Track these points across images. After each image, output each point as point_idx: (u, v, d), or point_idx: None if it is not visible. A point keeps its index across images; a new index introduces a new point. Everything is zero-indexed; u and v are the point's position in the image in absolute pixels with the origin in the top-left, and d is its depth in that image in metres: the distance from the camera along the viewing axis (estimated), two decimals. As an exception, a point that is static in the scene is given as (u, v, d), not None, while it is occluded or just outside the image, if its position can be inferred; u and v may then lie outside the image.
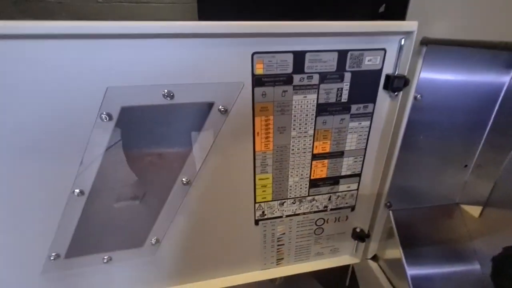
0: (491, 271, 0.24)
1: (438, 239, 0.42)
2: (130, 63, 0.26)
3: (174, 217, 0.35)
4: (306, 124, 0.34)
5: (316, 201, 0.40)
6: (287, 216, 0.40)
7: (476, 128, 0.37)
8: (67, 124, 0.27)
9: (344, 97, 0.33)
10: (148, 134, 0.31)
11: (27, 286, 0.34)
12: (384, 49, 0.32)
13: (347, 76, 0.32)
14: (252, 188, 0.36)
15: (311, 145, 0.36)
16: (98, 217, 0.33)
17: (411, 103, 0.34)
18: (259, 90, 0.31)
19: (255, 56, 0.29)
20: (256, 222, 0.39)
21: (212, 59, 0.28)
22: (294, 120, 0.34)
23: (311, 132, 0.35)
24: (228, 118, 0.31)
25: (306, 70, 0.31)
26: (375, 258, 0.47)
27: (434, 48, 0.31)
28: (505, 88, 0.35)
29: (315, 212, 0.41)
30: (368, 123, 0.36)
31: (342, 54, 0.31)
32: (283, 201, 0.39)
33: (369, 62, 0.32)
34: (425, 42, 0.31)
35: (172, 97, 0.28)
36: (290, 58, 0.30)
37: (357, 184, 0.40)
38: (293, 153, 0.35)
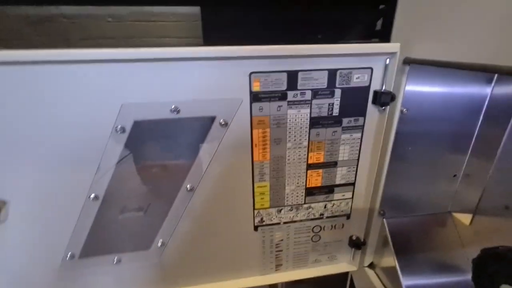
0: (472, 273, 0.26)
1: (432, 247, 0.44)
2: (142, 83, 0.30)
3: (178, 222, 0.38)
4: (300, 136, 0.37)
5: (313, 208, 0.42)
6: (284, 222, 0.42)
7: (462, 139, 0.40)
8: (87, 137, 0.30)
9: (336, 111, 0.36)
10: (156, 145, 0.34)
11: (44, 284, 0.37)
12: (371, 68, 0.35)
13: (337, 92, 0.35)
14: (251, 195, 0.39)
15: (306, 155, 0.38)
16: (109, 221, 0.36)
17: (398, 117, 0.37)
18: (256, 105, 0.34)
19: (252, 75, 0.32)
20: (255, 228, 0.42)
21: (214, 78, 0.32)
22: (289, 133, 0.36)
23: (305, 143, 0.37)
24: (228, 130, 0.34)
25: (299, 87, 0.34)
26: (372, 265, 0.49)
27: (416, 66, 0.34)
28: (487, 101, 0.37)
29: (311, 219, 0.43)
30: (359, 135, 0.39)
31: (332, 73, 0.34)
32: (281, 208, 0.41)
33: (358, 80, 0.35)
34: (408, 61, 0.34)
35: (178, 112, 0.32)
36: (284, 76, 0.33)
37: (351, 192, 0.42)
38: (289, 163, 0.38)
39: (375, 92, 0.36)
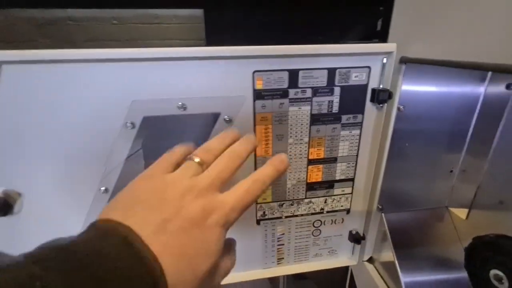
0: (464, 261, 0.27)
1: (430, 241, 0.45)
2: (151, 80, 0.32)
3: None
4: (301, 132, 0.38)
5: (313, 203, 0.44)
6: (286, 217, 0.44)
7: (458, 136, 0.41)
8: (99, 131, 0.32)
9: (335, 109, 0.38)
10: (164, 140, 0.36)
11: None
12: (369, 67, 0.36)
13: (337, 90, 0.37)
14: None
15: (307, 151, 0.40)
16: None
17: (395, 114, 0.38)
18: (259, 102, 0.36)
19: (255, 74, 0.34)
20: (258, 222, 0.43)
21: (219, 76, 0.33)
22: (291, 129, 0.38)
23: (306, 139, 0.39)
24: (232, 126, 0.36)
25: (300, 85, 0.36)
26: (371, 260, 0.50)
27: (412, 65, 0.35)
28: (481, 99, 0.39)
29: (312, 214, 0.44)
30: (358, 131, 0.40)
31: (332, 71, 0.36)
32: (282, 202, 0.42)
33: (356, 78, 0.37)
34: (404, 60, 0.35)
35: (185, 108, 0.33)
36: (285, 75, 0.35)
37: (351, 188, 0.44)
38: (290, 158, 0.40)
39: (373, 90, 0.37)
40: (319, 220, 0.45)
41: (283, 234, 0.45)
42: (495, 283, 0.27)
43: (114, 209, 0.19)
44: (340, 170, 0.42)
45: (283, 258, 0.47)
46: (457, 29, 0.35)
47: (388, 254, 0.44)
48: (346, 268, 0.57)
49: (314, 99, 0.37)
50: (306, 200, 0.43)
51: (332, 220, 0.46)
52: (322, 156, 0.40)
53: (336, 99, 0.37)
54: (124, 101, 0.32)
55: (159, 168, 0.21)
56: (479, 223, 0.40)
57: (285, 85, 0.35)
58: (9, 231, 0.35)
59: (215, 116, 0.35)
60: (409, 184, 0.44)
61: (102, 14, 1.09)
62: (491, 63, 0.27)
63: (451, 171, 0.43)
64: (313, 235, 0.46)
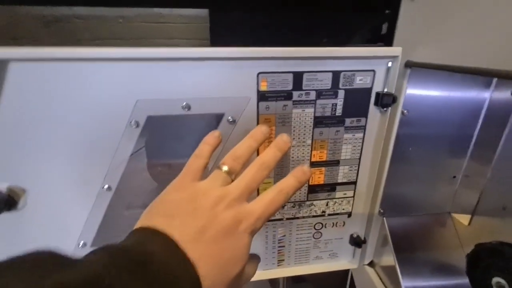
0: (466, 267, 0.27)
1: (431, 247, 0.45)
2: (156, 80, 0.32)
3: (185, 215, 0.40)
4: (304, 134, 0.38)
5: (315, 206, 0.44)
6: (287, 219, 0.44)
7: (462, 141, 0.41)
8: (103, 130, 0.32)
9: (339, 111, 0.38)
10: (167, 140, 0.36)
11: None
12: (374, 70, 0.36)
13: (341, 93, 0.37)
14: (255, 190, 0.40)
15: (309, 153, 0.40)
16: (119, 212, 0.38)
17: (399, 118, 0.38)
18: (263, 104, 0.36)
19: (260, 75, 0.34)
20: (259, 223, 0.43)
21: (223, 77, 0.33)
22: (294, 131, 0.38)
23: (309, 141, 0.39)
24: (235, 127, 0.36)
25: (304, 87, 0.36)
26: (372, 264, 0.50)
27: (417, 69, 0.35)
28: (485, 105, 0.38)
29: (313, 216, 0.44)
30: (361, 135, 0.40)
31: (336, 74, 0.36)
32: (284, 204, 0.42)
33: (360, 81, 0.37)
34: (409, 65, 0.35)
35: (189, 108, 0.34)
36: (290, 77, 0.35)
37: (353, 191, 0.44)
38: (293, 160, 0.40)
39: (377, 94, 0.37)
40: (320, 222, 0.45)
41: (284, 236, 0.45)
42: (497, 291, 0.26)
43: (154, 216, 0.20)
44: (343, 173, 0.42)
45: (283, 260, 0.47)
46: (463, 34, 0.35)
47: (389, 259, 0.44)
48: (346, 271, 0.57)
49: (318, 101, 0.37)
50: (308, 203, 0.43)
51: (333, 223, 0.46)
52: (324, 158, 0.40)
53: (340, 102, 0.37)
54: (129, 101, 0.32)
55: (188, 176, 0.23)
56: (482, 229, 0.40)
57: (289, 87, 0.35)
58: (13, 226, 0.35)
59: (219, 117, 0.35)
60: (411, 188, 0.44)
61: (108, 12, 1.10)
62: (496, 69, 0.27)
63: (454, 177, 0.43)
64: (314, 238, 0.46)
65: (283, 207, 0.43)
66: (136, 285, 0.14)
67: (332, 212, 0.45)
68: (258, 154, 0.38)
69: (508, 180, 0.37)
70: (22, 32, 1.05)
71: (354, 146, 0.40)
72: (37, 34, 1.07)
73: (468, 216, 0.42)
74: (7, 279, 0.13)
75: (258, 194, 0.40)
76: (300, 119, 0.37)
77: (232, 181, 0.23)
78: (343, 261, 0.49)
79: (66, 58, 0.29)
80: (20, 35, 1.05)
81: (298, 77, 0.35)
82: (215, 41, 0.56)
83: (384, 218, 0.44)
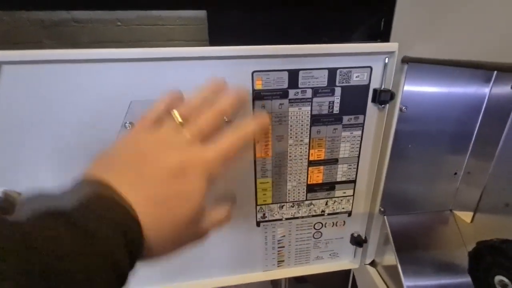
0: (468, 265, 0.26)
1: (433, 245, 0.44)
2: (150, 81, 0.32)
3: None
4: (301, 133, 0.38)
5: (314, 205, 0.43)
6: (286, 219, 0.43)
7: (462, 137, 0.40)
8: (98, 132, 0.32)
9: (336, 109, 0.37)
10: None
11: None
12: (370, 67, 0.36)
13: (338, 90, 0.36)
14: (253, 191, 0.40)
15: (307, 152, 0.39)
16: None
17: (398, 115, 0.37)
18: (258, 102, 0.35)
19: (254, 74, 0.34)
20: (258, 224, 0.43)
21: (218, 76, 0.33)
22: (291, 130, 0.38)
23: (306, 140, 0.38)
24: (231, 127, 0.35)
25: (300, 85, 0.35)
26: (373, 263, 0.49)
27: (415, 65, 0.35)
28: (486, 100, 0.38)
29: (313, 216, 0.44)
30: (359, 132, 0.39)
31: (332, 71, 0.35)
32: (283, 204, 0.42)
33: (357, 78, 0.36)
34: (406, 60, 0.35)
35: (183, 109, 0.33)
36: (285, 75, 0.34)
37: (352, 190, 0.43)
38: (290, 160, 0.39)
39: (375, 91, 0.37)
40: (320, 222, 0.45)
41: (283, 236, 0.45)
42: (500, 289, 0.26)
43: (92, 167, 0.21)
44: (341, 172, 0.41)
45: (283, 261, 0.47)
46: (460, 28, 0.35)
47: (391, 258, 0.43)
48: (348, 271, 0.56)
49: (315, 99, 0.36)
50: (307, 202, 0.43)
51: (333, 222, 0.45)
52: (322, 157, 0.40)
53: (337, 99, 0.37)
54: (123, 102, 0.32)
55: (140, 127, 0.23)
56: (484, 226, 0.39)
57: (285, 85, 0.35)
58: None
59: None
60: (412, 186, 0.43)
61: (106, 16, 1.10)
62: (495, 62, 0.26)
63: (455, 173, 0.42)
64: (314, 238, 0.46)
65: (281, 207, 0.42)
66: (65, 232, 0.15)
67: (331, 212, 0.44)
68: (255, 155, 0.38)
69: (510, 176, 0.36)
70: (21, 36, 1.05)
71: (353, 144, 0.40)
72: (36, 38, 1.08)
73: (471, 214, 0.41)
74: None
75: (256, 196, 0.40)
76: (296, 117, 0.37)
77: None
78: (344, 261, 0.49)
79: (58, 60, 0.29)
80: (19, 39, 1.05)
81: (293, 75, 0.35)
82: (214, 42, 0.56)
83: (385, 217, 0.44)
